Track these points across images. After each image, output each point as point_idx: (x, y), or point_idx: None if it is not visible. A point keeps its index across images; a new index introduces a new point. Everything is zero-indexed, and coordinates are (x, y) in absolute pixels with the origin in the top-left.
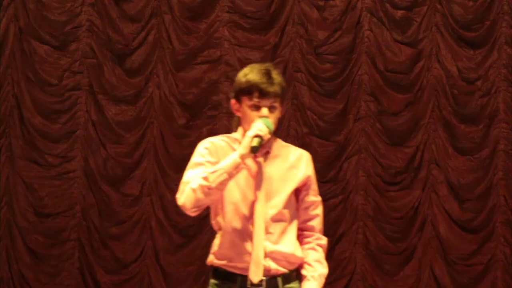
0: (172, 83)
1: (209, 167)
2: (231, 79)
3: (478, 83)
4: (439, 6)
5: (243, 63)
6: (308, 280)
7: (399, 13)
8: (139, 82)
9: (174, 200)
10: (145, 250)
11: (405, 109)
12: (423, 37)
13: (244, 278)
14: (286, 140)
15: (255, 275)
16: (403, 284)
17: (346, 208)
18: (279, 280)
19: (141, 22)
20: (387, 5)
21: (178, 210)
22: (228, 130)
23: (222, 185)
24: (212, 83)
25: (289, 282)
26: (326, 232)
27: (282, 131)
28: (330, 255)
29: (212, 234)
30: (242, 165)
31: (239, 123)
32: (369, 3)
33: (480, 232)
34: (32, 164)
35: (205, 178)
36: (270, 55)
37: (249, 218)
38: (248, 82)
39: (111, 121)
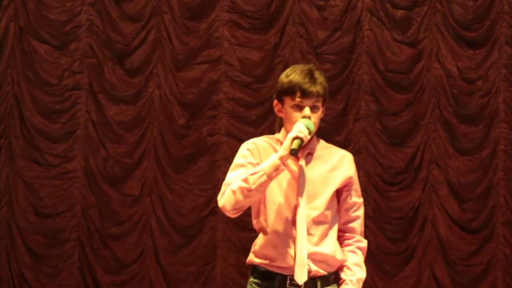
0: (172, 83)
1: (251, 168)
2: (231, 78)
3: (478, 83)
4: (439, 6)
5: (243, 63)
6: (347, 284)
7: (399, 13)
8: (139, 82)
9: (174, 200)
10: (145, 250)
11: (405, 109)
12: (423, 37)
13: (284, 277)
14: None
15: (300, 277)
16: (403, 284)
17: None
18: (318, 283)
19: (141, 22)
20: (387, 5)
21: (178, 210)
22: (228, 129)
23: (262, 187)
24: (212, 83)
25: (327, 285)
26: None
27: None
28: None
29: (213, 234)
30: (283, 167)
31: (281, 124)
32: (369, 3)
33: (480, 233)
34: (32, 164)
35: (245, 180)
36: (270, 55)
37: (291, 220)
38: (290, 82)
39: (111, 121)
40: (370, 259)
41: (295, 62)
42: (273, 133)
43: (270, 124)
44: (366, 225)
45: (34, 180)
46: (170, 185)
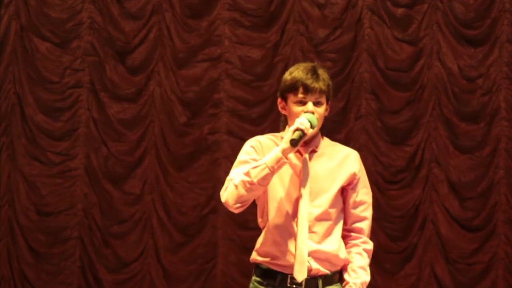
0: (173, 81)
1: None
2: (231, 77)
3: (479, 81)
4: (440, 4)
5: (244, 61)
6: (350, 286)
7: (400, 11)
8: (140, 80)
9: (175, 199)
10: (146, 248)
11: (406, 107)
12: (424, 35)
13: (285, 276)
14: None
15: (300, 274)
16: (404, 283)
17: None
18: (320, 282)
19: (142, 20)
20: (388, 3)
21: (179, 208)
22: (229, 128)
23: (264, 180)
24: (213, 81)
25: (330, 284)
26: None
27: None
28: None
29: (214, 233)
30: (285, 160)
31: (286, 122)
32: (369, 1)
33: (481, 231)
34: (33, 162)
35: (247, 174)
36: (270, 53)
37: (292, 216)
38: (293, 78)
39: (113, 119)
40: (371, 257)
41: (296, 60)
42: (274, 131)
43: (271, 122)
44: None
45: (35, 178)
46: (171, 183)
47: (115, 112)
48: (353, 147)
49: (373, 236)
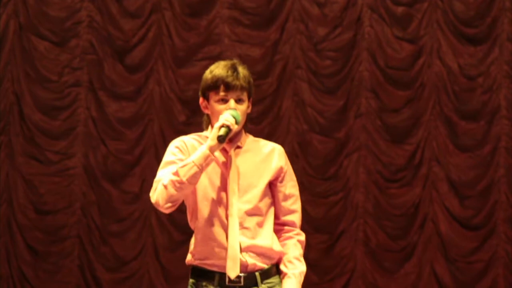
0: (172, 80)
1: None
2: None
3: (480, 79)
4: (440, 3)
5: (243, 60)
6: (289, 277)
7: (400, 9)
8: (139, 79)
9: None
10: (145, 247)
11: (406, 106)
12: (424, 33)
13: (222, 275)
14: (286, 137)
15: (232, 271)
16: (404, 281)
17: (347, 206)
18: (258, 276)
19: (141, 18)
20: (388, 2)
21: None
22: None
23: (193, 178)
24: None
25: (268, 277)
26: (326, 229)
27: (282, 128)
28: (330, 253)
29: None
30: (213, 157)
31: (208, 122)
32: (369, 0)
33: (481, 229)
34: (32, 161)
35: (176, 173)
36: (270, 52)
37: (223, 213)
38: (213, 77)
39: (111, 117)
40: (371, 256)
41: (296, 58)
42: (273, 130)
43: (270, 121)
44: (366, 222)
45: (34, 177)
46: None
47: (113, 111)
48: (353, 145)
49: (372, 234)
